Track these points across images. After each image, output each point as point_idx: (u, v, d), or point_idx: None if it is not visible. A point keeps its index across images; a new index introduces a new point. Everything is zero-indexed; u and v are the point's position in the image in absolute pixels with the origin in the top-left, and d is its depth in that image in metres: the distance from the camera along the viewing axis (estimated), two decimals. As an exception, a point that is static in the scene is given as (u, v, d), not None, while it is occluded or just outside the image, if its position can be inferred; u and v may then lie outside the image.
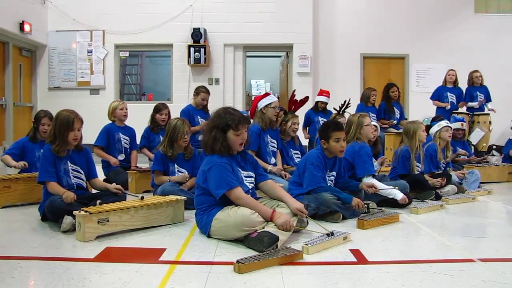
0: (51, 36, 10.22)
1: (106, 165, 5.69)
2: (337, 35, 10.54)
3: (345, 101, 6.34)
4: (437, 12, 10.69)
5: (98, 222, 3.15)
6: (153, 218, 3.54)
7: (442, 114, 7.83)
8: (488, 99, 8.46)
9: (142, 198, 3.64)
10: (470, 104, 8.38)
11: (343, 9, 10.53)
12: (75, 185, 3.78)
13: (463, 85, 8.59)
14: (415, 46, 10.64)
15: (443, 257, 2.87)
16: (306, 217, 3.30)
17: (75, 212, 3.16)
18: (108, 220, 3.21)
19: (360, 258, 2.80)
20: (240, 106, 10.14)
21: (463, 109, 8.38)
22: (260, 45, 10.41)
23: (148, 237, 3.31)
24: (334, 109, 6.30)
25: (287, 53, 10.63)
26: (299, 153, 5.73)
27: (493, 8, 10.82)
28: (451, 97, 8.36)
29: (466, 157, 6.68)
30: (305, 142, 7.22)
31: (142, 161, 6.23)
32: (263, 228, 2.97)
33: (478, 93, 8.41)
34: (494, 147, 9.46)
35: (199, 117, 6.49)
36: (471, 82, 8.52)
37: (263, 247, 2.81)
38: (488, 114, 8.24)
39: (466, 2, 10.75)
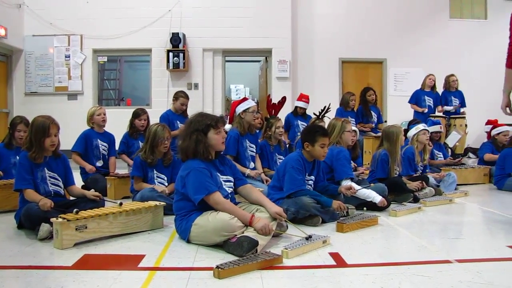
0: (28, 41, 10.09)
1: (84, 171, 5.64)
2: (316, 40, 10.62)
3: (325, 106, 6.38)
4: (413, 18, 10.86)
5: (76, 229, 3.12)
6: (132, 225, 3.51)
7: (419, 117, 7.97)
8: (462, 103, 8.62)
9: (121, 204, 3.61)
10: (446, 108, 8.53)
11: (321, 14, 10.62)
12: (52, 192, 3.73)
13: (439, 89, 8.74)
14: (393, 50, 10.79)
15: (421, 259, 2.90)
16: (286, 221, 3.31)
17: (53, 219, 3.11)
18: (86, 227, 3.17)
19: (339, 261, 2.82)
20: (219, 111, 10.15)
21: (440, 113, 8.50)
22: (239, 50, 10.43)
23: (127, 243, 3.28)
24: (314, 114, 6.33)
25: (266, 58, 10.67)
26: (283, 158, 5.73)
27: (467, 14, 11.05)
28: (429, 101, 8.50)
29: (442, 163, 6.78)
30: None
31: (121, 167, 6.18)
32: (243, 233, 2.97)
33: (453, 97, 8.58)
34: (470, 149, 9.62)
35: (178, 122, 6.47)
36: (447, 86, 8.68)
37: (242, 251, 2.81)
38: (464, 118, 8.39)
39: (441, 8, 10.95)
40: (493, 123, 7.52)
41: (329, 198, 3.90)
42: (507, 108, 3.93)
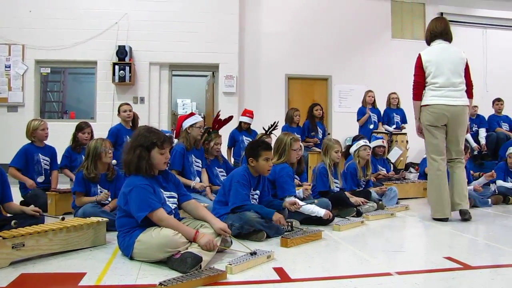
0: (-36, 50, 9.68)
1: (23, 186, 5.44)
2: (263, 56, 10.73)
3: (274, 122, 6.47)
4: (357, 36, 11.19)
5: (13, 247, 2.99)
6: (73, 241, 3.41)
7: (364, 133, 8.17)
8: (404, 120, 8.93)
9: (63, 219, 3.51)
10: (387, 128, 8.81)
11: (268, 31, 10.75)
12: (-13, 209, 3.58)
13: (382, 106, 9.03)
14: (337, 67, 11.05)
15: (363, 272, 2.95)
16: (230, 236, 3.31)
17: (-13, 237, 2.98)
18: (23, 245, 3.05)
19: (283, 276, 2.83)
20: (165, 125, 10.05)
21: (383, 129, 8.76)
22: (186, 65, 10.39)
23: (67, 261, 3.18)
24: (264, 128, 6.40)
25: (213, 73, 10.69)
26: (224, 170, 5.75)
27: (408, 34, 11.54)
28: (373, 117, 8.75)
29: (386, 177, 6.98)
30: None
31: (63, 182, 6.01)
32: (187, 249, 2.95)
33: (394, 114, 8.88)
34: (411, 164, 9.94)
35: (128, 137, 6.38)
36: (388, 104, 8.98)
37: (186, 268, 2.78)
38: (405, 134, 8.69)
39: (384, 28, 11.36)
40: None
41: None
42: (421, 131, 5.09)
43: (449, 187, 4.94)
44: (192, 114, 5.48)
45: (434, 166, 4.91)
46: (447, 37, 5.02)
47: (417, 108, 5.02)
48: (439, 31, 5.02)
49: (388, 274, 2.89)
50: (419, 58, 5.01)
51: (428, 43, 5.13)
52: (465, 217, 4.86)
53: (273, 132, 6.38)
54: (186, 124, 5.28)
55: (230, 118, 6.33)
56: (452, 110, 4.81)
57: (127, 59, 9.68)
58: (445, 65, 4.85)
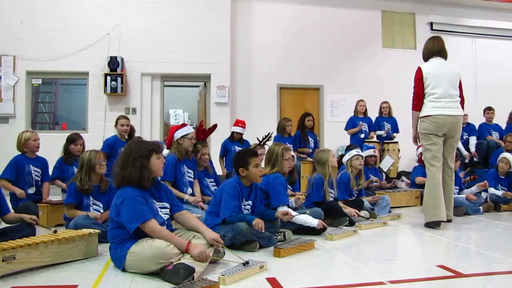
0: (-45, 62, 9.63)
1: (14, 198, 5.40)
2: (254, 66, 10.75)
3: (269, 133, 6.50)
4: (349, 46, 11.23)
5: (3, 260, 2.96)
6: (64, 253, 3.38)
7: (355, 142, 8.22)
8: (395, 129, 8.97)
9: (55, 231, 3.49)
10: (378, 132, 8.87)
11: (260, 41, 10.76)
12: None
13: (374, 115, 9.08)
14: (329, 77, 11.07)
15: (356, 281, 2.96)
16: (223, 247, 3.31)
17: (-23, 251, 2.96)
18: (14, 258, 3.02)
19: (276, 286, 2.83)
20: (157, 136, 10.02)
21: (374, 138, 8.80)
22: (178, 75, 10.38)
23: (59, 273, 3.15)
24: (257, 139, 6.42)
25: (205, 83, 10.67)
26: (214, 181, 5.75)
27: (399, 44, 11.61)
28: (364, 126, 8.79)
29: (378, 183, 7.01)
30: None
31: (54, 193, 5.97)
32: (179, 260, 2.94)
33: (385, 123, 8.93)
34: (403, 173, 9.97)
35: (122, 149, 6.35)
36: (380, 112, 9.04)
37: (179, 279, 2.77)
38: (397, 143, 8.73)
39: (374, 38, 11.43)
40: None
41: (267, 222, 3.92)
42: (417, 140, 5.44)
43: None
44: (183, 125, 5.48)
45: (432, 171, 5.07)
46: (444, 55, 5.29)
47: (416, 118, 5.29)
48: (437, 49, 5.26)
49: (381, 283, 2.89)
50: (420, 71, 5.19)
51: (426, 60, 5.33)
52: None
53: (267, 143, 6.40)
54: (178, 135, 5.28)
55: (215, 126, 6.35)
56: (451, 120, 5.08)
57: (119, 70, 9.65)
58: (443, 78, 5.09)
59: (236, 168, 4.07)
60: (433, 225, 4.94)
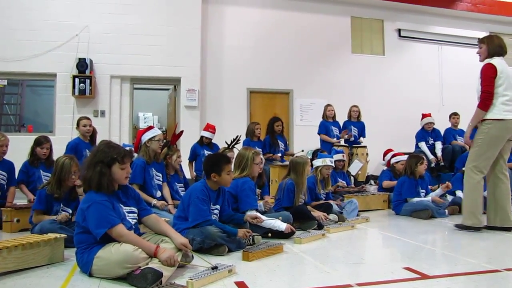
0: None
1: (-24, 202, 5.27)
2: (225, 70, 10.75)
3: (237, 136, 6.50)
4: (318, 51, 11.35)
5: (-36, 266, 2.89)
6: (29, 259, 3.30)
7: (325, 147, 8.29)
8: (362, 133, 9.09)
9: (18, 221, 3.39)
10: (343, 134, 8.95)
11: (230, 45, 10.78)
12: None
13: (343, 119, 9.19)
14: (299, 82, 11.16)
15: (324, 284, 2.97)
16: (191, 251, 3.29)
17: None
18: (-25, 264, 2.95)
19: (244, 290, 2.83)
20: (126, 139, 9.91)
21: (342, 142, 8.89)
22: (148, 78, 10.29)
23: (23, 280, 3.08)
24: (226, 142, 6.41)
25: (175, 86, 10.62)
26: (183, 186, 5.73)
27: (367, 49, 11.81)
28: (335, 131, 8.88)
29: (345, 187, 7.08)
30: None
31: (19, 197, 5.83)
32: (147, 264, 2.91)
33: (353, 127, 9.04)
34: (371, 177, 10.11)
35: (87, 150, 6.27)
36: (349, 116, 9.16)
37: (147, 284, 2.74)
38: (365, 147, 8.84)
39: (344, 43, 11.59)
40: (389, 152, 8.02)
41: (235, 227, 3.94)
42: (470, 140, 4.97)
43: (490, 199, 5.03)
44: (150, 127, 5.46)
45: (479, 178, 4.87)
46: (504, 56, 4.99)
47: (480, 117, 4.86)
48: (504, 49, 4.94)
49: (349, 286, 2.92)
50: (493, 68, 4.80)
51: (490, 56, 4.94)
52: None
53: (235, 146, 6.40)
54: (145, 137, 5.26)
55: (181, 133, 6.37)
56: None
57: (87, 72, 9.50)
58: (511, 80, 4.82)
59: (208, 172, 4.04)
60: (472, 229, 4.88)
